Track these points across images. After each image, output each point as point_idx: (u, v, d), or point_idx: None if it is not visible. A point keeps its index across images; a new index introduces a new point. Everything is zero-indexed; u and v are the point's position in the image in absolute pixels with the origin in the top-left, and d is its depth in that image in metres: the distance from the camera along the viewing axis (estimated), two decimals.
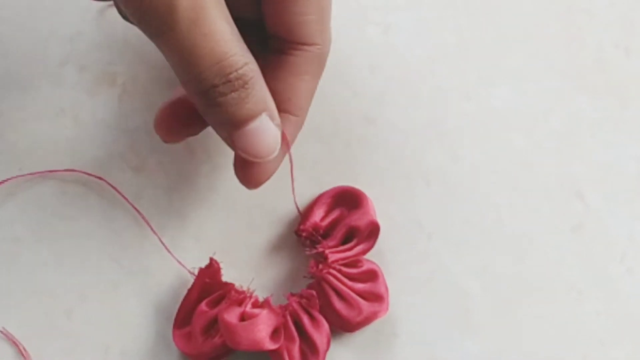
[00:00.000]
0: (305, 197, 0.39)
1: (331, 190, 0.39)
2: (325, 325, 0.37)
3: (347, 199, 0.39)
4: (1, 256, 0.39)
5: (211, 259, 0.38)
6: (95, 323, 0.39)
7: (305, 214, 0.39)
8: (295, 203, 0.39)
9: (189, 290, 0.38)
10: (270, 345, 0.36)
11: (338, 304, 0.37)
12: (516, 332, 0.39)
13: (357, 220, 0.38)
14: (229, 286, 0.38)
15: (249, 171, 0.34)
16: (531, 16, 0.41)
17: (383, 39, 0.41)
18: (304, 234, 0.38)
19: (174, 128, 0.36)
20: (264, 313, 0.36)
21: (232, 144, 0.32)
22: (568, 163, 0.40)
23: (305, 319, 0.37)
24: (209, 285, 0.38)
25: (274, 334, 0.37)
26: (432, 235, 0.40)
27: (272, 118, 0.32)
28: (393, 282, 0.39)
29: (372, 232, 0.38)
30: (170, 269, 0.39)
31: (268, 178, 0.34)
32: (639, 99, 0.41)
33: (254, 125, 0.32)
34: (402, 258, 0.39)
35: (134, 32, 0.40)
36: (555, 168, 0.40)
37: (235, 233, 0.39)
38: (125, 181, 0.40)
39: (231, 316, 0.36)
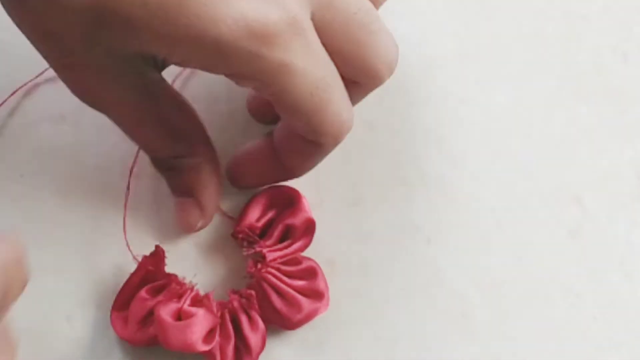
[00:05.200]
0: None
1: (266, 190, 0.39)
2: (261, 327, 0.37)
3: (282, 199, 0.39)
4: None
5: (157, 247, 0.37)
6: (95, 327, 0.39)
7: (240, 215, 0.39)
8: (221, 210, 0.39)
9: (131, 275, 0.38)
10: (202, 348, 0.36)
11: (278, 303, 0.37)
12: (514, 337, 0.39)
13: (293, 218, 0.38)
14: (171, 277, 0.38)
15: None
16: (529, 21, 0.42)
17: None
18: (240, 235, 0.38)
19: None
20: (200, 313, 0.36)
21: None
22: (566, 168, 0.41)
23: (244, 319, 0.37)
24: (151, 274, 0.38)
25: (208, 335, 0.36)
26: (431, 240, 0.40)
27: (200, 208, 0.37)
28: (391, 286, 0.39)
29: (308, 228, 0.38)
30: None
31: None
32: (636, 104, 0.41)
33: (180, 200, 0.37)
34: (400, 263, 0.39)
35: None
36: (553, 173, 0.40)
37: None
38: (126, 187, 0.40)
39: (167, 313, 0.36)
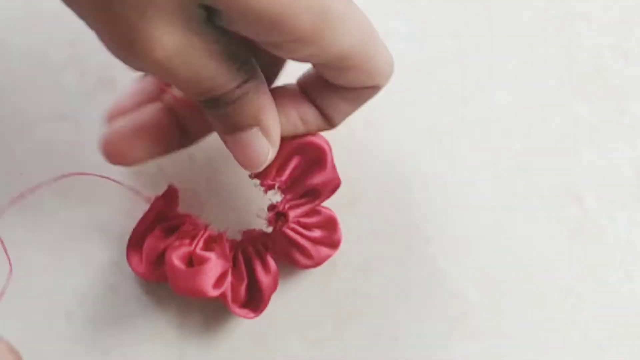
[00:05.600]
0: None
1: (292, 140, 0.37)
2: (273, 269, 0.37)
3: (306, 150, 0.37)
4: (1, 260, 0.39)
5: (169, 186, 0.37)
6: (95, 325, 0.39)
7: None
8: None
9: (145, 213, 0.37)
10: (212, 293, 0.36)
11: (297, 255, 0.37)
12: (514, 337, 0.39)
13: (320, 178, 0.37)
14: (184, 217, 0.37)
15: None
16: (529, 21, 0.42)
17: None
18: (264, 187, 0.37)
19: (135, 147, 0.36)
20: (212, 259, 0.36)
21: (227, 147, 0.34)
22: (566, 167, 0.40)
23: (257, 263, 0.37)
24: (165, 214, 0.37)
25: (220, 279, 0.36)
26: (430, 240, 0.40)
27: (265, 135, 0.34)
28: (391, 286, 0.39)
29: (333, 189, 0.38)
30: None
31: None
32: (636, 104, 0.41)
33: (244, 135, 0.34)
34: (400, 262, 0.39)
35: None
36: (553, 172, 0.40)
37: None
38: (126, 186, 0.40)
39: (178, 257, 0.36)
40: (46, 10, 0.41)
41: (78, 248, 0.39)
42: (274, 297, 0.38)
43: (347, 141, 0.40)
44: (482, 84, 0.41)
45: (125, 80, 0.40)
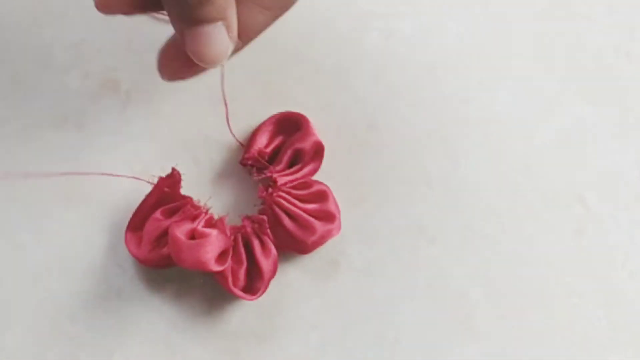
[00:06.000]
0: None
1: (272, 117, 0.39)
2: (273, 253, 0.38)
3: (289, 124, 0.39)
4: (5, 263, 0.39)
5: (173, 169, 0.38)
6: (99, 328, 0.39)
7: (248, 142, 0.39)
8: (232, 133, 0.39)
9: (147, 196, 0.38)
10: (214, 267, 0.36)
11: (291, 226, 0.37)
12: (517, 337, 0.39)
13: (301, 142, 0.38)
14: (186, 199, 0.38)
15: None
16: (532, 22, 0.42)
17: (385, 45, 0.41)
18: (249, 162, 0.39)
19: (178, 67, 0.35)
20: (214, 234, 0.36)
21: (182, 40, 0.33)
22: (569, 168, 0.40)
23: (256, 244, 0.38)
24: (166, 195, 0.38)
25: (221, 256, 0.37)
26: (434, 240, 0.40)
27: (228, 30, 0.33)
28: (395, 287, 0.39)
29: (317, 152, 0.39)
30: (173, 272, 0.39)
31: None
32: (639, 104, 0.41)
33: (207, 28, 0.32)
34: (404, 263, 0.39)
35: (138, 39, 0.41)
36: (556, 173, 0.40)
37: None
38: (128, 187, 0.40)
39: (181, 232, 0.36)
40: (50, 12, 0.41)
41: (81, 251, 0.39)
42: (276, 299, 0.38)
43: (351, 142, 0.40)
44: (485, 84, 0.41)
45: (129, 81, 0.40)
